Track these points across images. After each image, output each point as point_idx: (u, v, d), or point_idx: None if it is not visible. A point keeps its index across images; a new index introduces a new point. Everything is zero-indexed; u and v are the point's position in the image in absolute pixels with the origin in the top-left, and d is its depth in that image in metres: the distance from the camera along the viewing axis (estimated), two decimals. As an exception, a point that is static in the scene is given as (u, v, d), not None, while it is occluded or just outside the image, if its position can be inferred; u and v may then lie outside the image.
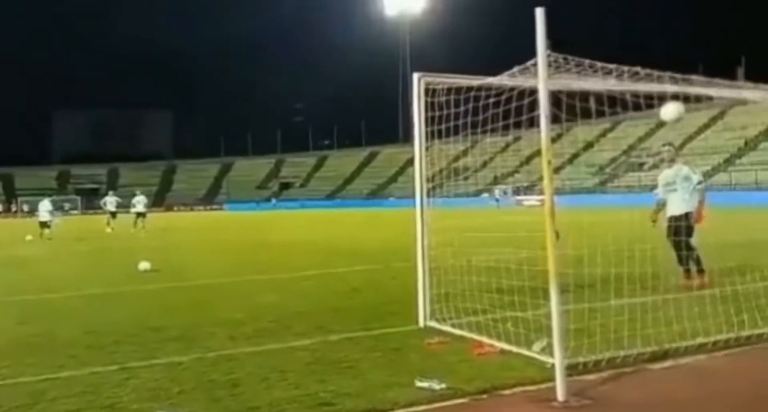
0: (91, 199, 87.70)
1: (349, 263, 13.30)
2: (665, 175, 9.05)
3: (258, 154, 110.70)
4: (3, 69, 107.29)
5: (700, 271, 8.46)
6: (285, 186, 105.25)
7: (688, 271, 8.50)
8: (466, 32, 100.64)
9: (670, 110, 6.96)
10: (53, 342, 6.55)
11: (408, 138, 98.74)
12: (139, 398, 4.63)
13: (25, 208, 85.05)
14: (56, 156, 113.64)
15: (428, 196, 6.77)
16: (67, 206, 77.84)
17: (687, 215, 8.62)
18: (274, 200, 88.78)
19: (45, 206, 26.74)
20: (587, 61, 5.53)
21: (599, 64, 5.67)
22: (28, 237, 25.22)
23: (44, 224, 25.72)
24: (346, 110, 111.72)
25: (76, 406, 4.50)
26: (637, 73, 5.80)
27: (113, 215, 30.43)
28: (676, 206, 8.76)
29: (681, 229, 8.39)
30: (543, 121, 4.65)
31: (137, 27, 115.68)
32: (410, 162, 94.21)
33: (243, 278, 11.39)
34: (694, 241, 8.48)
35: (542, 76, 4.65)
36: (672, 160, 9.16)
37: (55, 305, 9.15)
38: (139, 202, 29.53)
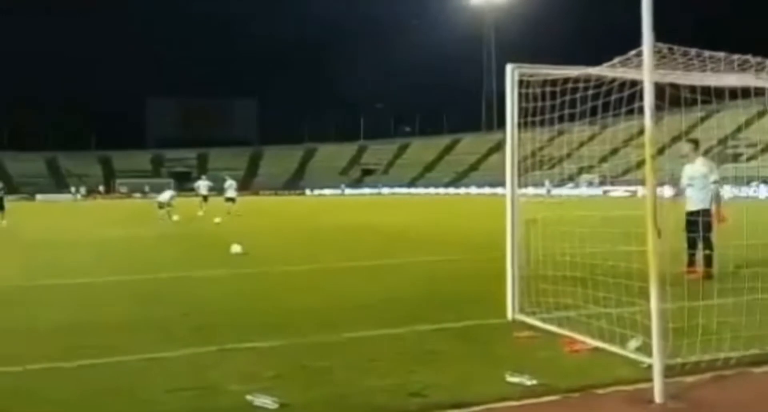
0: (182, 182, 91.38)
1: (434, 252, 13.30)
2: (686, 170, 9.14)
3: (340, 141, 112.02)
4: (103, 60, 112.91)
5: (707, 267, 8.48)
6: (366, 172, 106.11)
7: (693, 255, 8.65)
8: (548, 21, 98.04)
9: None
10: (153, 323, 6.83)
11: (490, 126, 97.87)
12: (237, 380, 4.76)
13: (122, 189, 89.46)
14: (150, 140, 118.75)
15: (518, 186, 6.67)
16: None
17: (702, 212, 8.69)
18: (344, 186, 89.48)
19: (168, 193, 28.23)
20: (693, 51, 5.27)
21: (707, 53, 5.39)
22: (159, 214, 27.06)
23: (162, 205, 27.07)
24: (427, 98, 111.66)
25: (177, 385, 4.67)
26: (747, 61, 5.48)
27: (205, 198, 31.50)
28: (692, 202, 8.90)
29: (696, 225, 8.39)
30: (647, 115, 4.46)
31: (225, 19, 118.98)
32: (492, 150, 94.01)
33: (329, 265, 11.56)
34: (713, 238, 8.53)
35: (647, 67, 4.45)
36: (693, 157, 9.15)
37: (151, 286, 9.53)
38: (230, 186, 30.70)
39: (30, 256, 14.04)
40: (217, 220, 25.87)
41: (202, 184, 32.51)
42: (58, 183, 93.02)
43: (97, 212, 39.79)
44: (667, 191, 8.76)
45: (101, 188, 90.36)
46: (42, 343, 5.99)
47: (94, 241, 17.75)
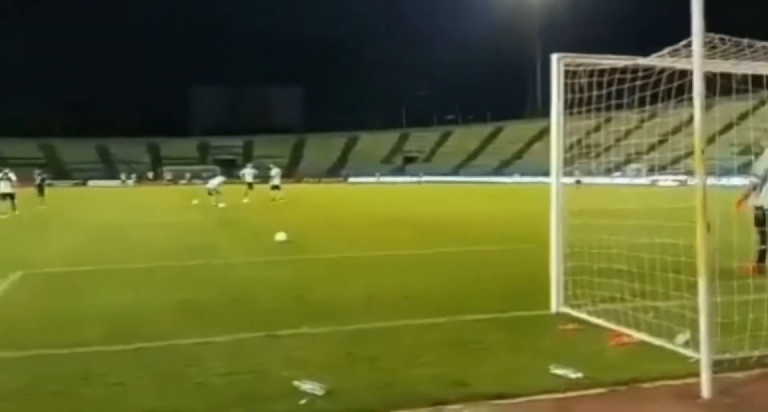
0: (229, 169, 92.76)
1: (477, 241, 13.29)
2: (763, 163, 8.74)
3: (383, 129, 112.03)
4: (150, 48, 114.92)
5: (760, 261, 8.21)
6: (409, 160, 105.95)
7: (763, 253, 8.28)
8: (595, 10, 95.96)
9: None
10: (203, 308, 7.02)
11: (534, 114, 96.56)
12: (285, 366, 4.86)
13: (168, 176, 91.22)
14: (197, 128, 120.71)
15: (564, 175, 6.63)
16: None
17: None
18: (378, 174, 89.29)
19: (217, 180, 28.73)
20: (745, 41, 5.14)
21: (759, 44, 5.25)
22: (195, 201, 28.17)
23: (211, 191, 27.64)
24: (470, 86, 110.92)
25: (227, 370, 4.80)
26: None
27: (250, 186, 31.92)
28: (763, 196, 8.53)
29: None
30: (697, 107, 4.38)
31: (271, 6, 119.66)
32: (536, 138, 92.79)
33: (372, 254, 11.65)
34: None
35: (698, 56, 4.36)
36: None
37: (200, 272, 9.76)
38: (276, 174, 31.15)
39: (81, 241, 14.49)
40: (245, 200, 26.50)
41: (248, 172, 33.00)
42: (109, 169, 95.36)
43: (146, 196, 40.73)
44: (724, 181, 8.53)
45: (150, 175, 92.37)
46: (98, 327, 6.20)
47: (143, 226, 18.20)
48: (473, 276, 8.93)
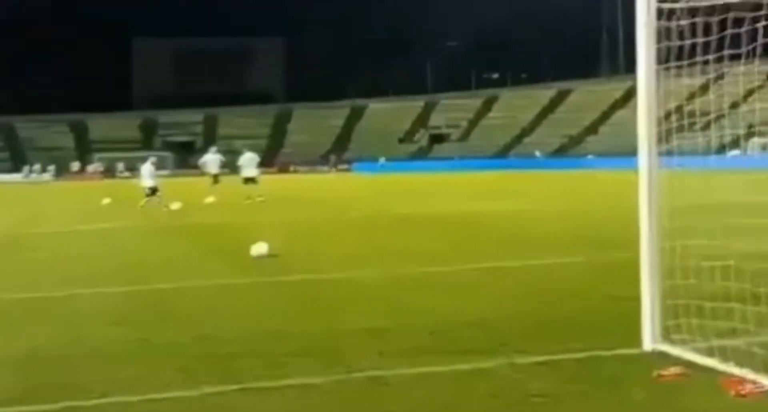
0: (183, 156, 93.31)
1: (535, 252, 13.30)
2: None
3: (400, 96, 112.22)
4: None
5: None
6: (437, 139, 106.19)
7: None
8: None
9: None
10: (156, 350, 7.09)
11: (615, 71, 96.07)
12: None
13: (100, 167, 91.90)
14: (138, 99, 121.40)
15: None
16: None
17: None
18: (382, 160, 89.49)
19: (147, 169, 28.39)
20: None
21: None
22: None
23: (153, 190, 27.38)
24: (522, 34, 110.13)
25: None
26: None
27: (215, 178, 31.72)
28: None
29: None
30: None
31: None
32: (617, 105, 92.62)
33: (388, 271, 11.70)
34: None
35: None
36: None
37: (151, 300, 9.85)
38: (250, 162, 30.71)
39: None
40: (209, 199, 26.47)
41: (211, 159, 32.71)
42: (17, 159, 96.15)
43: (69, 195, 41.03)
44: None
45: (75, 166, 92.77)
46: (7, 380, 6.26)
47: (68, 238, 18.31)
48: (531, 301, 8.94)
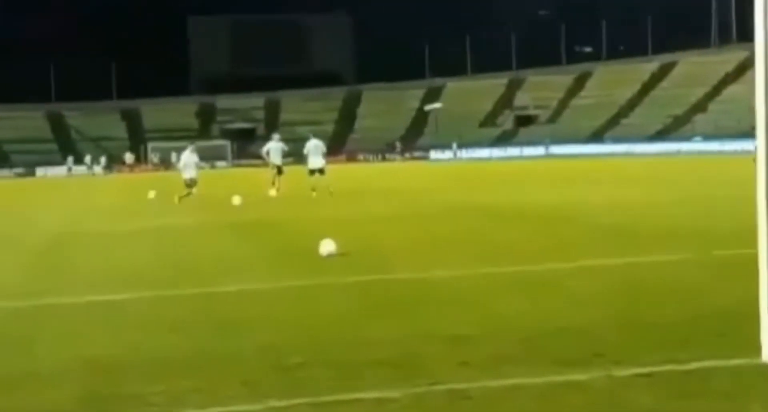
0: (244, 145, 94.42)
1: (637, 248, 13.19)
2: None
3: (481, 72, 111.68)
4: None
5: None
6: (523, 121, 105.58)
7: None
8: None
9: None
10: (216, 360, 7.18)
11: (726, 39, 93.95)
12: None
13: (155, 158, 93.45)
14: (195, 83, 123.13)
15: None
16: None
17: None
18: (455, 147, 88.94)
19: (189, 157, 28.88)
20: None
21: None
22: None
23: (191, 183, 27.94)
24: (618, 2, 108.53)
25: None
26: None
27: (279, 169, 31.81)
28: None
29: None
30: None
31: None
32: (729, 79, 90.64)
33: (469, 270, 11.69)
34: None
35: None
36: None
37: (211, 305, 9.99)
38: (316, 150, 30.56)
39: (34, 260, 15.05)
40: (272, 192, 26.66)
41: (274, 148, 32.61)
42: (67, 150, 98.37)
43: (123, 190, 41.84)
44: None
45: (127, 157, 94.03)
46: (47, 392, 6.44)
47: (119, 237, 18.72)
48: (632, 304, 8.87)
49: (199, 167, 28.99)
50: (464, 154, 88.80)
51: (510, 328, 7.93)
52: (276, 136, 34.55)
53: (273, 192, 30.02)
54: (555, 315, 8.49)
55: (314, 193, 28.85)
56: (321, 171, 30.08)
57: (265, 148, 33.52)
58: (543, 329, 7.82)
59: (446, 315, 8.72)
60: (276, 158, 32.20)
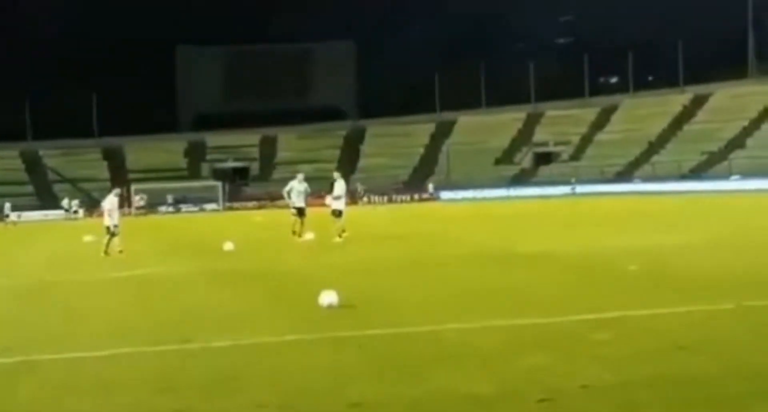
0: (236, 187, 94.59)
1: (672, 297, 13.16)
2: None
3: (496, 105, 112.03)
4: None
5: None
6: (543, 158, 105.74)
7: None
8: None
9: None
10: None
11: (766, 68, 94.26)
12: None
13: (140, 201, 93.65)
14: (184, 118, 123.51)
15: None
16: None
17: None
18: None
19: (110, 202, 28.95)
20: None
21: None
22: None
23: (115, 230, 27.85)
24: (645, 29, 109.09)
25: None
26: None
27: (300, 212, 30.70)
28: None
29: None
30: None
31: None
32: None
33: (486, 323, 11.66)
34: None
35: None
36: None
37: (203, 361, 9.96)
38: (338, 189, 30.16)
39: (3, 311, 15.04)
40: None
41: (297, 189, 31.50)
42: (41, 193, 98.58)
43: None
44: None
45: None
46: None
47: (101, 286, 18.69)
48: (664, 359, 8.87)
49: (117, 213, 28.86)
50: (478, 194, 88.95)
51: (530, 386, 7.88)
52: (300, 175, 33.04)
53: (298, 239, 29.52)
54: (580, 372, 8.42)
55: (339, 238, 28.77)
56: (339, 214, 29.74)
57: (286, 188, 32.65)
58: (566, 388, 7.78)
59: (460, 372, 8.67)
60: (298, 200, 31.19)
